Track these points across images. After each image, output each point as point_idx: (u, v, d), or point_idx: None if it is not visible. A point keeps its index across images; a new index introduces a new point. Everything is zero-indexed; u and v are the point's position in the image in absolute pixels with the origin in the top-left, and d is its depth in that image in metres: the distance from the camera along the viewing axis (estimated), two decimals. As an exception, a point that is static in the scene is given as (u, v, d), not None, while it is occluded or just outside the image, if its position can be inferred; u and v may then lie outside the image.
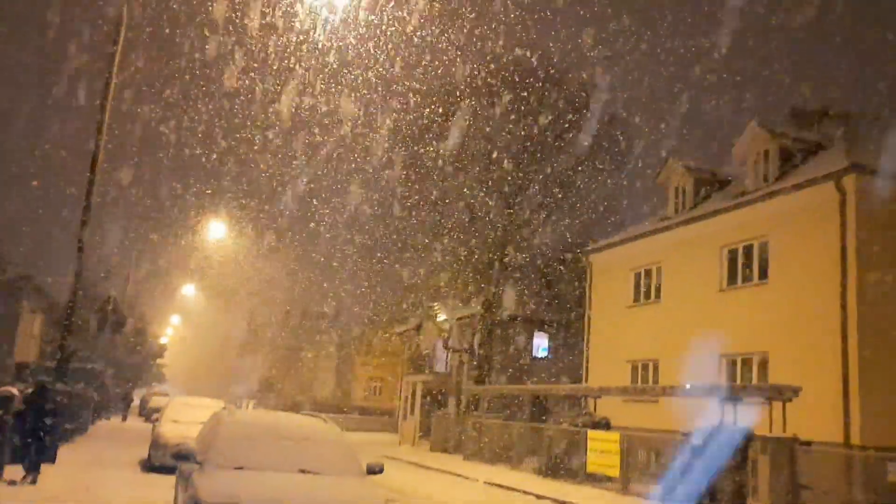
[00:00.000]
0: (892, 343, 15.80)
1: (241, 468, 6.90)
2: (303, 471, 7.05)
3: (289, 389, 67.08)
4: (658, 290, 22.47)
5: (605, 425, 18.44)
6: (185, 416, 15.87)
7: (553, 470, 18.64)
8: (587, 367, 25.33)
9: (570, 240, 31.42)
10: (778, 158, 19.38)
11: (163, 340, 67.12)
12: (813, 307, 16.80)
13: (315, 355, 67.94)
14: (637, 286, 23.46)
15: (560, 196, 29.14)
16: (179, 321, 70.40)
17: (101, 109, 14.87)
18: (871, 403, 15.38)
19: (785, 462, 12.99)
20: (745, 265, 19.11)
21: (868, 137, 19.36)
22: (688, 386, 16.76)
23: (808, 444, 13.47)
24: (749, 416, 14.72)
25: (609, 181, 29.15)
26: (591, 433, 17.92)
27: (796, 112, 22.24)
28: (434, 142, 27.92)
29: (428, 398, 35.11)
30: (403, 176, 28.95)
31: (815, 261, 16.98)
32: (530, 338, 32.99)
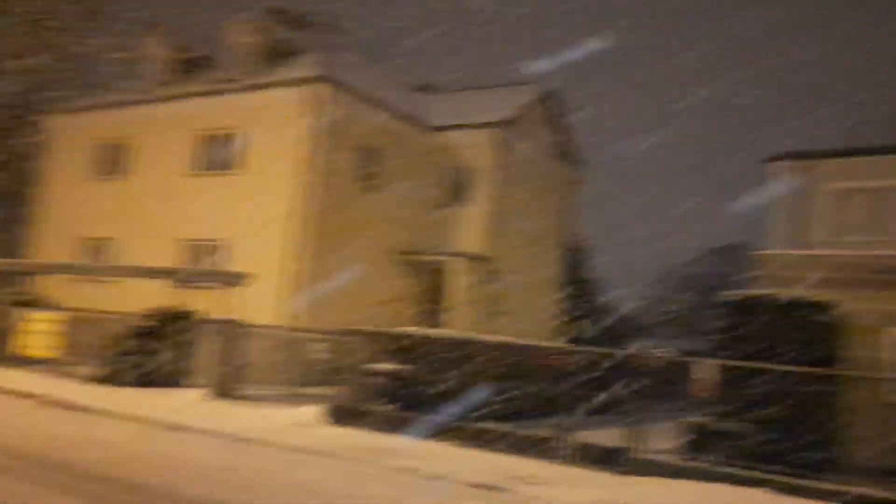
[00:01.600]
0: (330, 242, 17.98)
1: None
2: None
3: None
4: (124, 166, 21.18)
5: (43, 305, 16.83)
6: None
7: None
8: (33, 242, 22.76)
9: (29, 96, 27.19)
10: (261, 54, 19.68)
11: None
12: (272, 203, 17.95)
13: None
14: (100, 159, 21.73)
15: (29, 44, 24.78)
16: None
17: None
18: (304, 291, 17.34)
19: (229, 342, 13.72)
20: (219, 153, 19.25)
21: (343, 49, 21.14)
22: (141, 266, 16.38)
23: (253, 326, 14.44)
24: (205, 301, 15.09)
25: (91, 40, 25.76)
26: (25, 313, 16.19)
27: (282, 11, 22.71)
28: None
29: None
30: None
31: (281, 158, 18.06)
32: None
